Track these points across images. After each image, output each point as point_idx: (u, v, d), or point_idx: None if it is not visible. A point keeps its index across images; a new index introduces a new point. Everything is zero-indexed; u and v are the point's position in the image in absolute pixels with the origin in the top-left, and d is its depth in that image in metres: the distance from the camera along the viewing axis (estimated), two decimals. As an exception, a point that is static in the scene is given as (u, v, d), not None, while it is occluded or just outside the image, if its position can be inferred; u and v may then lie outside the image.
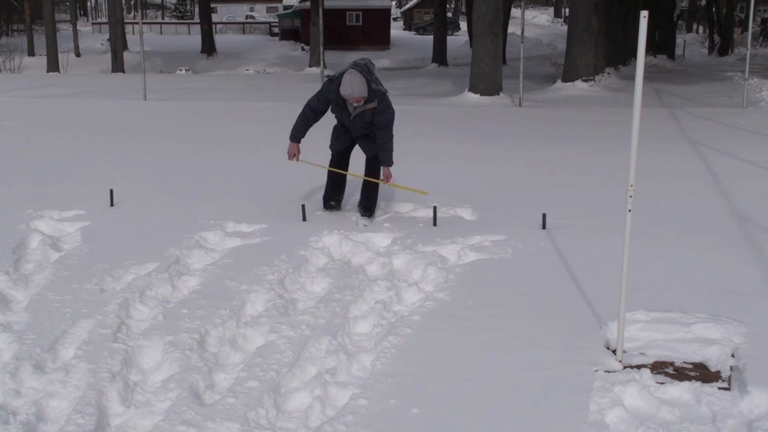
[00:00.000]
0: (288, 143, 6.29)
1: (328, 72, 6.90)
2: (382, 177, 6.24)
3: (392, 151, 6.16)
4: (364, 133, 6.23)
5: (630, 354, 3.99)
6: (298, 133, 6.22)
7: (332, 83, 6.00)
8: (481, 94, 16.57)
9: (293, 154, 6.26)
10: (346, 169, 6.51)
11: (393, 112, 6.13)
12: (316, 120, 6.22)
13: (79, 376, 3.81)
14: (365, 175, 6.39)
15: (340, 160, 6.46)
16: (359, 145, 6.40)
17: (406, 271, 5.32)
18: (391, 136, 6.16)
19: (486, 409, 3.46)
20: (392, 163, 6.20)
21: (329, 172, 6.51)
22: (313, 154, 6.61)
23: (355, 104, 5.97)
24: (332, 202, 6.59)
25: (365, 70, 6.02)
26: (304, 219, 6.35)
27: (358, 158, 6.52)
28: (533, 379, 3.71)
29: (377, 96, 5.99)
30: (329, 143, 6.44)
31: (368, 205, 6.43)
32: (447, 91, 18.76)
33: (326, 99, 6.09)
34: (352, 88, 5.82)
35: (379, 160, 6.24)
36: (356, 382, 3.83)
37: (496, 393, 3.60)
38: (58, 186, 7.51)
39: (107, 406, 3.59)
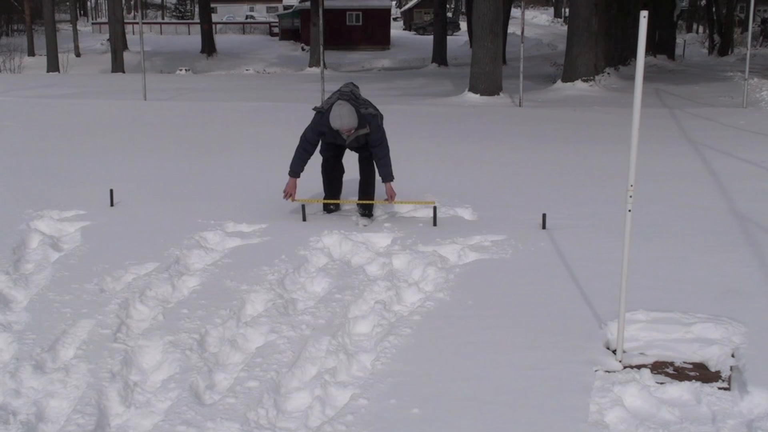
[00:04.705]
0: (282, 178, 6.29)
1: (316, 102, 6.91)
2: (386, 197, 6.26)
3: (391, 165, 6.19)
4: (359, 146, 6.29)
5: (630, 354, 3.99)
6: (298, 168, 6.22)
7: (323, 116, 6.04)
8: (481, 94, 16.58)
9: (289, 194, 6.26)
10: (341, 169, 6.55)
11: (384, 131, 6.18)
12: (314, 151, 6.26)
13: (79, 376, 3.81)
14: (361, 181, 6.45)
15: (333, 162, 6.48)
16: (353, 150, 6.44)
17: (406, 271, 5.32)
18: (387, 149, 6.20)
19: (486, 409, 3.46)
20: (393, 178, 6.22)
21: (325, 174, 6.53)
22: (307, 185, 6.66)
23: (347, 134, 6.02)
24: (332, 206, 6.60)
25: (352, 97, 6.08)
26: (304, 219, 6.35)
27: (353, 161, 6.52)
28: (533, 379, 3.71)
29: (368, 120, 6.05)
30: (319, 149, 6.44)
31: (367, 205, 6.45)
32: (447, 91, 18.77)
33: (319, 131, 6.13)
34: (342, 120, 5.88)
35: (373, 160, 6.28)
36: (356, 382, 3.82)
37: (496, 393, 3.60)
38: (58, 186, 7.51)
39: (107, 406, 3.59)
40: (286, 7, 60.42)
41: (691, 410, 3.52)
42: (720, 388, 3.68)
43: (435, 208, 6.28)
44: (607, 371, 3.80)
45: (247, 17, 66.96)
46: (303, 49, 42.79)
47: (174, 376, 3.84)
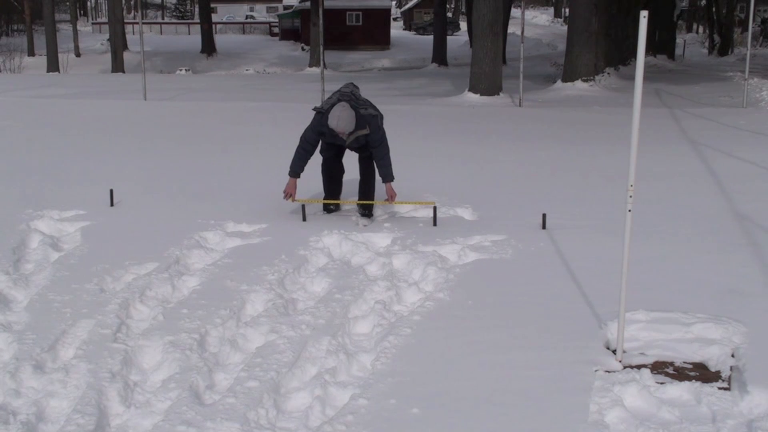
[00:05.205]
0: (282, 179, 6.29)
1: (316, 102, 6.94)
2: (386, 197, 6.26)
3: (391, 165, 6.19)
4: (359, 146, 6.30)
5: (630, 354, 3.99)
6: (298, 168, 6.22)
7: (322, 116, 6.03)
8: (481, 94, 16.58)
9: (289, 194, 6.26)
10: (341, 169, 6.55)
11: (384, 131, 6.19)
12: (314, 151, 6.26)
13: (79, 376, 3.81)
14: (361, 181, 6.45)
15: (333, 162, 6.49)
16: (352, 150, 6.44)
17: (406, 271, 5.32)
18: (388, 149, 6.20)
19: (486, 409, 3.46)
20: (393, 178, 6.22)
21: (325, 174, 6.53)
22: (307, 185, 6.67)
23: (342, 136, 6.04)
24: (332, 206, 6.61)
25: (352, 98, 6.09)
26: (304, 219, 6.35)
27: (353, 161, 6.52)
28: (533, 379, 3.71)
29: (367, 121, 6.06)
30: (320, 149, 6.44)
31: (367, 205, 6.45)
32: (447, 91, 18.76)
33: (319, 131, 6.13)
34: (338, 122, 5.89)
35: (373, 160, 6.28)
36: (356, 382, 3.83)
37: (496, 393, 3.60)
38: (58, 186, 7.51)
39: (107, 406, 3.59)
40: (286, 7, 60.41)
41: (691, 410, 3.52)
42: (720, 388, 3.68)
43: (435, 208, 6.28)
44: (607, 371, 3.80)
45: (247, 17, 66.95)
46: (303, 49, 42.77)
47: (174, 376, 3.84)
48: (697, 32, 56.10)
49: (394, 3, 69.45)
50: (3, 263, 5.30)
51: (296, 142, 6.24)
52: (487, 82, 16.71)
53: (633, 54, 21.77)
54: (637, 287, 4.48)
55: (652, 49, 28.61)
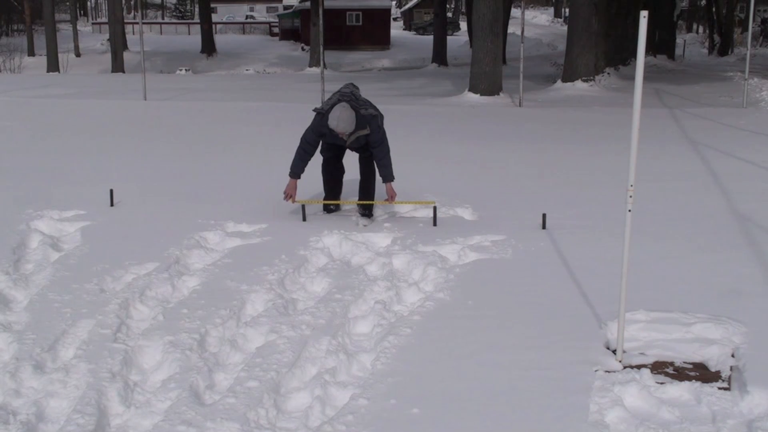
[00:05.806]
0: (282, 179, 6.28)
1: (316, 103, 6.93)
2: (386, 197, 6.26)
3: (391, 165, 6.20)
4: (360, 146, 6.30)
5: (630, 354, 3.99)
6: (298, 170, 6.22)
7: (323, 117, 6.03)
8: (481, 94, 16.59)
9: (289, 195, 6.26)
10: (341, 169, 6.55)
11: (384, 132, 6.19)
12: (314, 152, 6.26)
13: (79, 376, 3.81)
14: (361, 181, 6.45)
15: (333, 162, 6.49)
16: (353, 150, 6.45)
17: (406, 271, 5.32)
18: (388, 149, 6.20)
19: (486, 409, 3.46)
20: (393, 178, 6.22)
21: (325, 174, 6.53)
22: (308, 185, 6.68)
23: (341, 136, 6.04)
24: (332, 207, 6.61)
25: (352, 98, 6.09)
26: (304, 219, 6.35)
27: (353, 161, 6.52)
28: (533, 379, 3.71)
29: (367, 121, 6.06)
30: (320, 149, 6.44)
31: (368, 205, 6.45)
32: (447, 91, 18.76)
33: (320, 132, 6.13)
34: (338, 122, 5.90)
35: (373, 160, 6.28)
36: (356, 382, 3.83)
37: (496, 393, 3.60)
38: (58, 186, 7.51)
39: (107, 406, 3.59)
40: (286, 7, 60.43)
41: (691, 410, 3.52)
42: (720, 388, 3.68)
43: (435, 208, 6.28)
44: (607, 371, 3.80)
45: (247, 17, 66.97)
46: (303, 49, 42.79)
47: (174, 376, 3.84)
48: (697, 32, 56.11)
49: (394, 3, 69.44)
50: (3, 263, 5.30)
51: (296, 142, 6.24)
52: (487, 82, 16.72)
53: (633, 54, 21.76)
54: (637, 287, 4.48)
55: (652, 49, 28.60)
